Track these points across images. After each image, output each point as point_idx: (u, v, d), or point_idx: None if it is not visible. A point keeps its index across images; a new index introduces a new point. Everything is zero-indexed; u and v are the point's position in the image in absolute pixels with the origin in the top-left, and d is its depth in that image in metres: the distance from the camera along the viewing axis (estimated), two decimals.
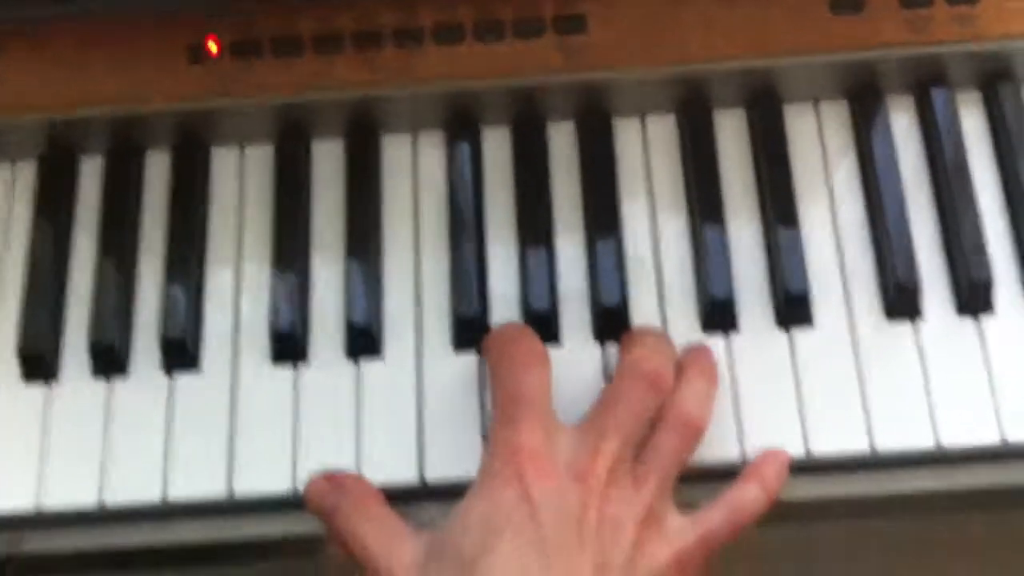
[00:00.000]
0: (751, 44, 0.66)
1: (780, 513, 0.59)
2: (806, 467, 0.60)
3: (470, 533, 0.54)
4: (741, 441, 0.60)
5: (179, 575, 0.62)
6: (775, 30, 0.67)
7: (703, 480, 0.59)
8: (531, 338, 0.60)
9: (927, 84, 0.68)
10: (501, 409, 0.58)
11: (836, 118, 0.68)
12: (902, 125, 0.68)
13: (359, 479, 0.59)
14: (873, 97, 0.68)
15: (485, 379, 0.61)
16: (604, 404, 0.58)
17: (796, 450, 0.60)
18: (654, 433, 0.58)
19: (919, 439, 0.60)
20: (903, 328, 0.63)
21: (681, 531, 0.57)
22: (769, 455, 0.60)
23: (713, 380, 0.60)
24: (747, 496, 0.58)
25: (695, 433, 0.59)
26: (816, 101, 0.69)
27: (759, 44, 0.67)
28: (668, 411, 0.59)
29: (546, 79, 0.67)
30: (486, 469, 0.56)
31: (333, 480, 0.59)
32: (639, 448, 0.58)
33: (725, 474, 0.59)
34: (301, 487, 0.59)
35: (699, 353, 0.62)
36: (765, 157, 0.67)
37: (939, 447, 0.60)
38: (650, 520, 0.56)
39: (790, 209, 0.65)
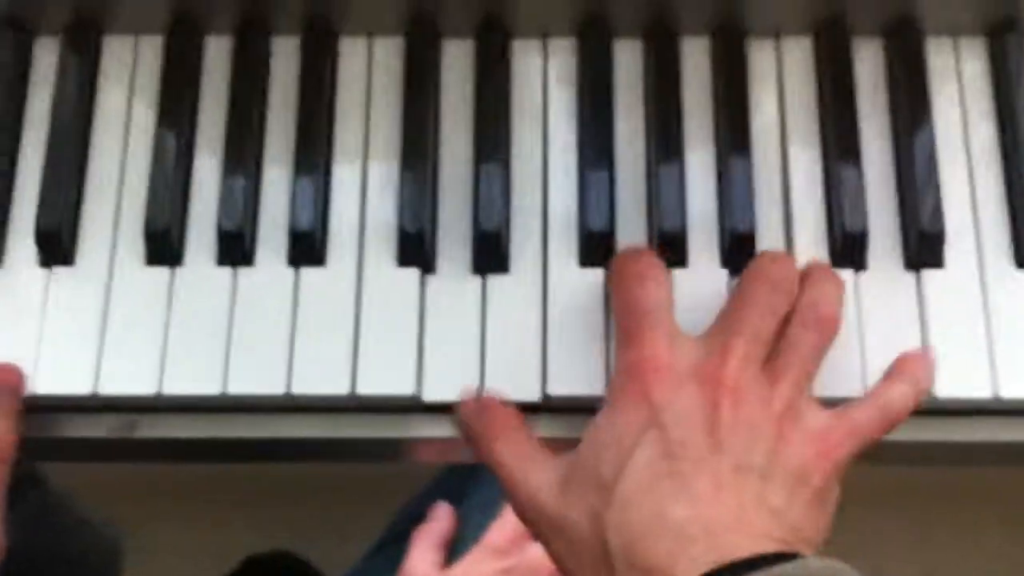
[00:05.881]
0: None
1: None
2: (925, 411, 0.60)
3: (604, 455, 0.54)
4: (864, 379, 0.60)
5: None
6: None
7: None
8: (646, 253, 0.59)
9: None
10: (621, 326, 0.57)
11: (974, 54, 0.67)
12: None
13: (501, 404, 0.59)
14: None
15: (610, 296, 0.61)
16: (730, 307, 0.57)
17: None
18: (787, 331, 0.57)
19: None
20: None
21: (826, 427, 0.55)
22: (916, 354, 0.59)
23: (839, 283, 0.59)
24: (895, 392, 0.57)
25: (830, 329, 0.57)
26: (955, 36, 0.67)
27: None
28: (800, 310, 0.57)
29: None
30: (612, 387, 0.56)
31: (480, 402, 0.59)
32: (772, 350, 0.56)
33: None
34: (425, 391, 0.60)
35: (820, 263, 0.60)
36: (904, 90, 0.65)
37: None
38: (790, 415, 0.55)
39: (928, 146, 0.64)
